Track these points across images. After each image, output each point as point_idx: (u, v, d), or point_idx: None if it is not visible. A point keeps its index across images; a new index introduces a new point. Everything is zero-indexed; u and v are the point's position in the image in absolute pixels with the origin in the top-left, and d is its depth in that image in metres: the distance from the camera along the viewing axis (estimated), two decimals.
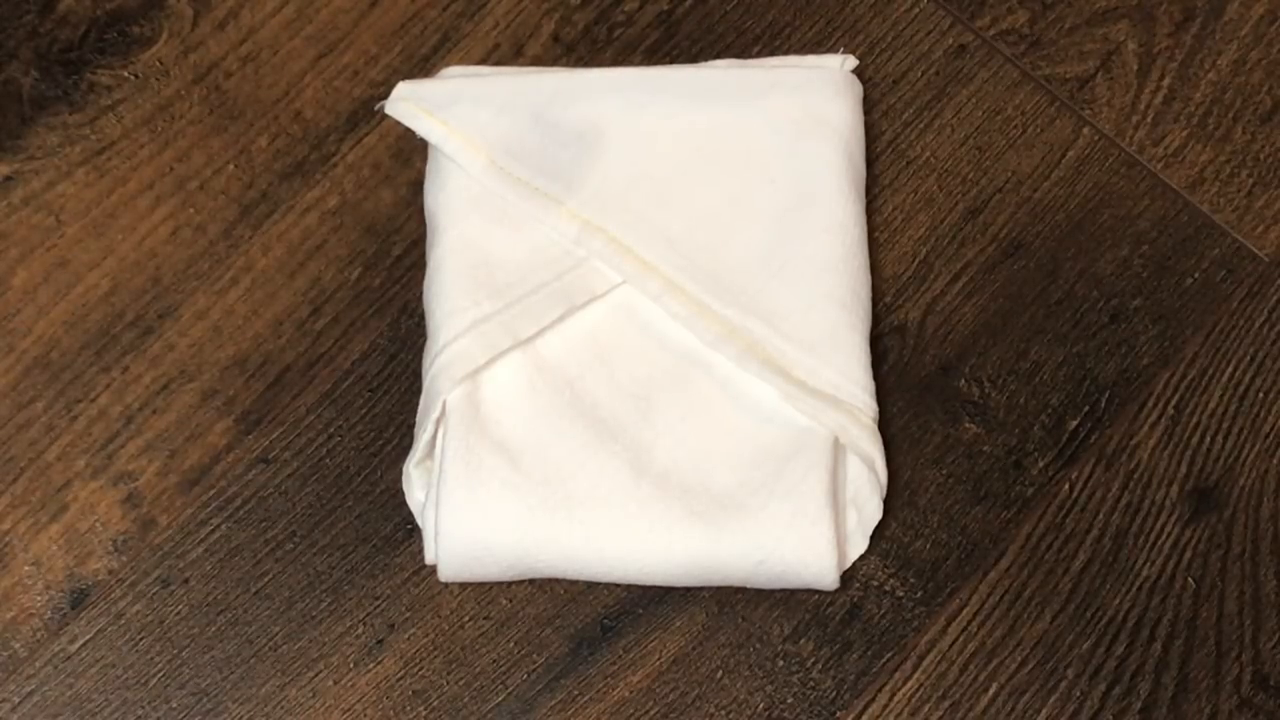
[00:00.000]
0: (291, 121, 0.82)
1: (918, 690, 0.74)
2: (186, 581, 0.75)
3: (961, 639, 0.75)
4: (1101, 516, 0.76)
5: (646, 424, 0.75)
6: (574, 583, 0.75)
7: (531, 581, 0.75)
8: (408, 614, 0.75)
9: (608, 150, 0.78)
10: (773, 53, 0.83)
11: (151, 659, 0.74)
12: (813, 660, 0.74)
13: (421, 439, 0.74)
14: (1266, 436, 0.78)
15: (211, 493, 0.77)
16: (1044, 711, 0.74)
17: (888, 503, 0.75)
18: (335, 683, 0.74)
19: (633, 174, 0.78)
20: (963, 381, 0.78)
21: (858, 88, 0.80)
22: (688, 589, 0.75)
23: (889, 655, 0.75)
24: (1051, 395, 0.78)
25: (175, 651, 0.74)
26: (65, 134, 0.82)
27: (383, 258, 0.80)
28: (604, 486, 0.73)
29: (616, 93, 0.79)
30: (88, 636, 0.75)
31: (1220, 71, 0.83)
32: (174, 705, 0.74)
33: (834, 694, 0.74)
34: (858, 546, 0.75)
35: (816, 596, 0.75)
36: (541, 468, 0.73)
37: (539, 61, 0.83)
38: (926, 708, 0.74)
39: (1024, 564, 0.76)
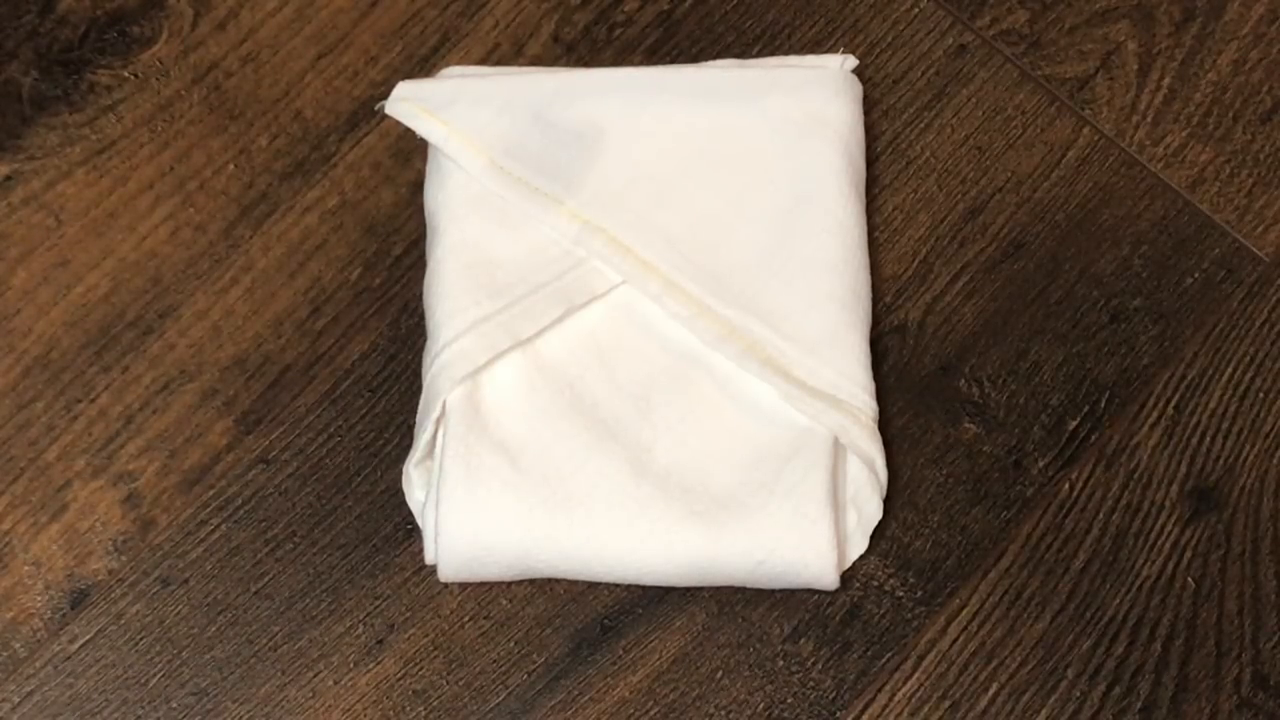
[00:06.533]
0: (291, 121, 0.82)
1: (918, 690, 0.74)
2: (186, 581, 0.75)
3: (961, 639, 0.75)
4: (1101, 516, 0.77)
5: (646, 424, 0.75)
6: (574, 583, 0.75)
7: (531, 581, 0.75)
8: (408, 614, 0.75)
9: (608, 150, 0.78)
10: (773, 53, 0.84)
11: (151, 659, 0.74)
12: (813, 660, 0.74)
13: (421, 439, 0.74)
14: (1266, 436, 0.78)
15: (211, 493, 0.77)
16: (1044, 711, 0.74)
17: (888, 503, 0.75)
18: (335, 683, 0.74)
19: (633, 174, 0.78)
20: (963, 381, 0.78)
21: (858, 88, 0.80)
22: (688, 589, 0.75)
23: (889, 655, 0.75)
24: (1051, 395, 0.78)
25: (175, 651, 0.74)
26: (65, 134, 0.82)
27: (383, 258, 0.80)
28: (604, 486, 0.73)
29: (616, 93, 0.79)
30: (88, 636, 0.75)
31: (1220, 71, 0.83)
32: (174, 705, 0.74)
33: (834, 694, 0.74)
34: (858, 546, 0.75)
35: (816, 596, 0.75)
36: (541, 468, 0.73)
37: (539, 61, 0.83)
38: (926, 708, 0.74)
39: (1024, 564, 0.76)
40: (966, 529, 0.76)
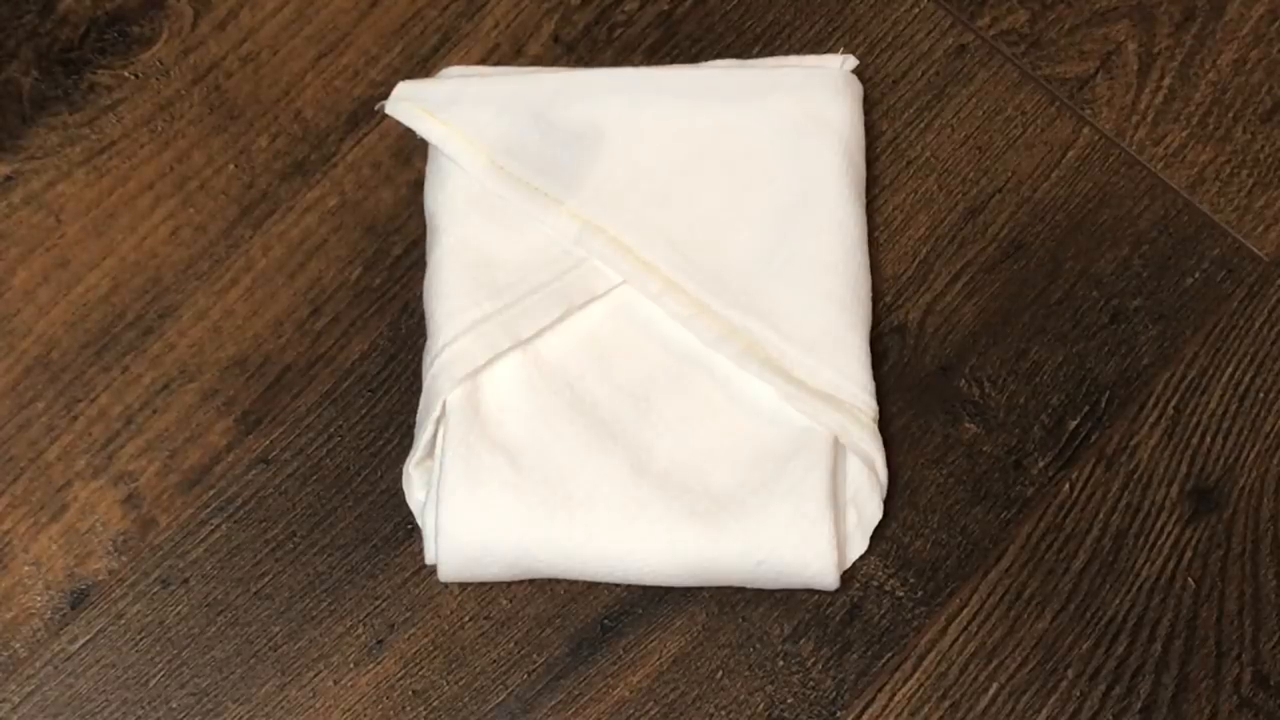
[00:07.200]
0: (291, 121, 0.82)
1: (918, 690, 0.74)
2: (186, 581, 0.75)
3: (961, 639, 0.75)
4: (1101, 516, 0.77)
5: (646, 424, 0.75)
6: (574, 583, 0.75)
7: (531, 581, 0.75)
8: (408, 614, 0.75)
9: (608, 150, 0.78)
10: (773, 53, 0.84)
11: (151, 659, 0.74)
12: (813, 660, 0.74)
13: (421, 439, 0.74)
14: (1266, 436, 0.78)
15: (211, 493, 0.77)
16: (1044, 711, 0.74)
17: (888, 503, 0.75)
18: (335, 683, 0.74)
19: (633, 174, 0.78)
20: (963, 381, 0.78)
21: (858, 88, 0.80)
22: (688, 589, 0.75)
23: (889, 655, 0.75)
24: (1051, 395, 0.78)
25: (175, 651, 0.74)
26: (65, 134, 0.82)
27: (383, 258, 0.80)
28: (604, 486, 0.73)
29: (616, 93, 0.79)
30: (88, 636, 0.75)
31: (1220, 71, 0.83)
32: (174, 705, 0.74)
33: (834, 694, 0.74)
34: (858, 546, 0.75)
35: (816, 596, 0.75)
36: (541, 468, 0.73)
37: (539, 61, 0.83)
38: (926, 708, 0.74)
39: (1024, 564, 0.76)
40: (966, 529, 0.76)
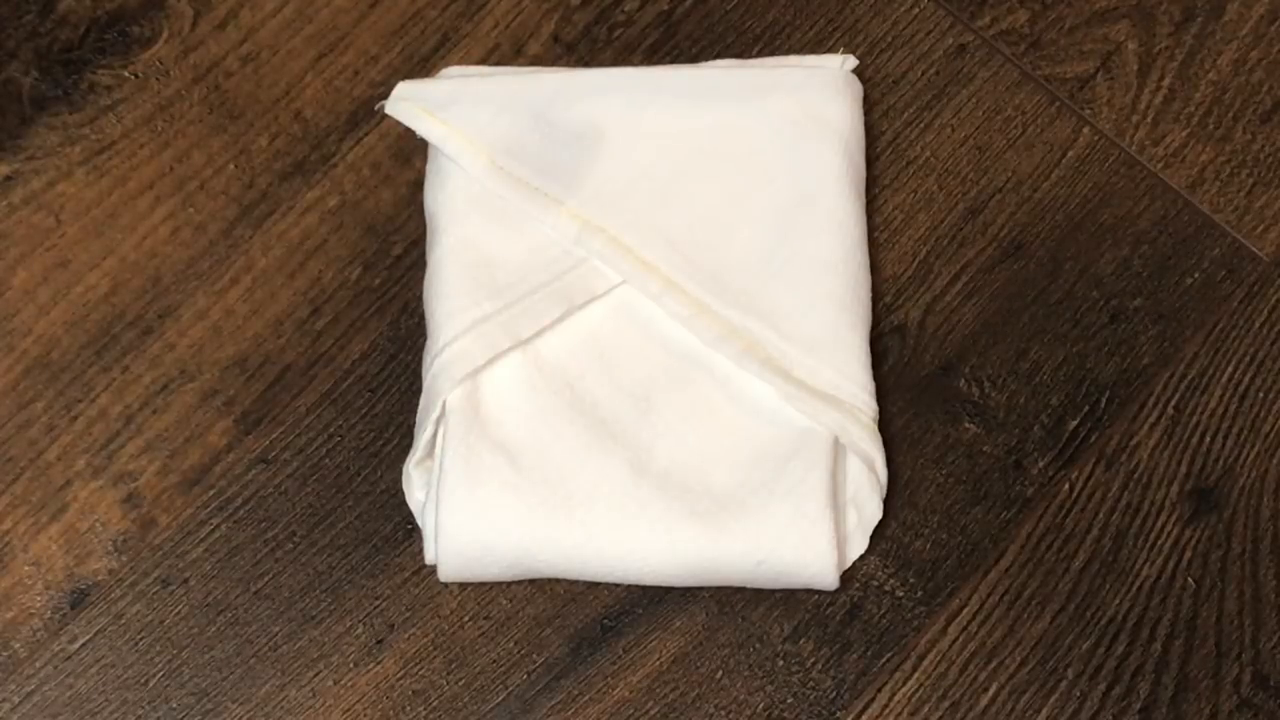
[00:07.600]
0: (291, 121, 0.82)
1: (918, 690, 0.74)
2: (186, 581, 0.75)
3: (961, 639, 0.75)
4: (1101, 516, 0.77)
5: (646, 424, 0.75)
6: (574, 583, 0.75)
7: (531, 581, 0.75)
8: (408, 614, 0.75)
9: (608, 150, 0.78)
10: (773, 53, 0.84)
11: (151, 659, 0.74)
12: (813, 660, 0.74)
13: (421, 439, 0.74)
14: (1266, 436, 0.78)
15: (211, 493, 0.77)
16: (1044, 711, 0.74)
17: (888, 503, 0.75)
18: (335, 683, 0.74)
19: (633, 174, 0.78)
20: (963, 381, 0.78)
21: (858, 88, 0.80)
22: (688, 589, 0.75)
23: (889, 655, 0.75)
24: (1051, 395, 0.78)
25: (175, 652, 0.74)
26: (65, 134, 0.82)
27: (383, 258, 0.80)
28: (604, 486, 0.73)
29: (616, 93, 0.79)
30: (88, 636, 0.75)
31: (1220, 71, 0.83)
32: (174, 705, 0.74)
33: (834, 694, 0.74)
34: (858, 546, 0.75)
35: (816, 596, 0.75)
36: (541, 468, 0.73)
37: (539, 61, 0.83)
38: (926, 708, 0.74)
39: (1024, 564, 0.76)
40: (966, 529, 0.76)
